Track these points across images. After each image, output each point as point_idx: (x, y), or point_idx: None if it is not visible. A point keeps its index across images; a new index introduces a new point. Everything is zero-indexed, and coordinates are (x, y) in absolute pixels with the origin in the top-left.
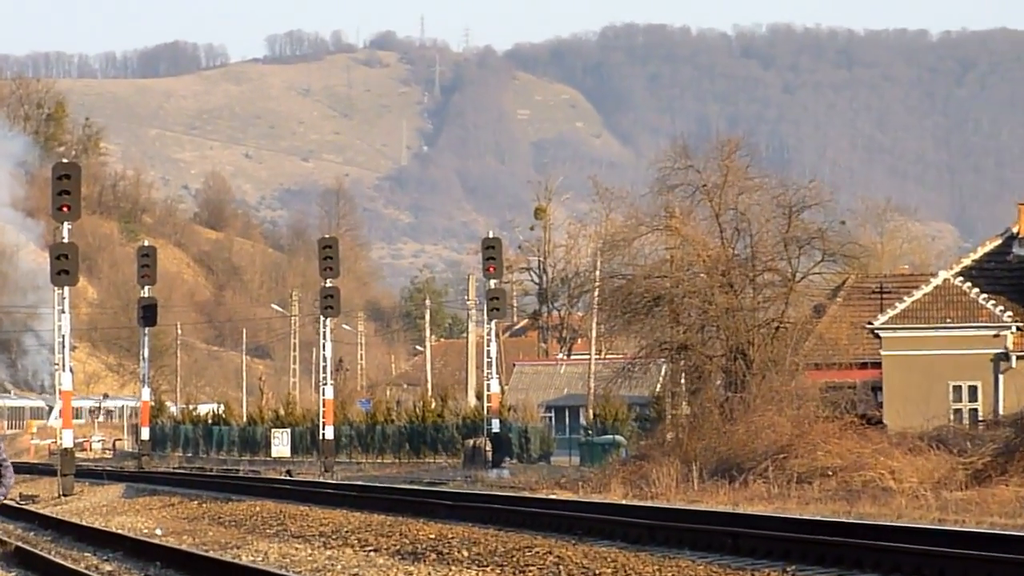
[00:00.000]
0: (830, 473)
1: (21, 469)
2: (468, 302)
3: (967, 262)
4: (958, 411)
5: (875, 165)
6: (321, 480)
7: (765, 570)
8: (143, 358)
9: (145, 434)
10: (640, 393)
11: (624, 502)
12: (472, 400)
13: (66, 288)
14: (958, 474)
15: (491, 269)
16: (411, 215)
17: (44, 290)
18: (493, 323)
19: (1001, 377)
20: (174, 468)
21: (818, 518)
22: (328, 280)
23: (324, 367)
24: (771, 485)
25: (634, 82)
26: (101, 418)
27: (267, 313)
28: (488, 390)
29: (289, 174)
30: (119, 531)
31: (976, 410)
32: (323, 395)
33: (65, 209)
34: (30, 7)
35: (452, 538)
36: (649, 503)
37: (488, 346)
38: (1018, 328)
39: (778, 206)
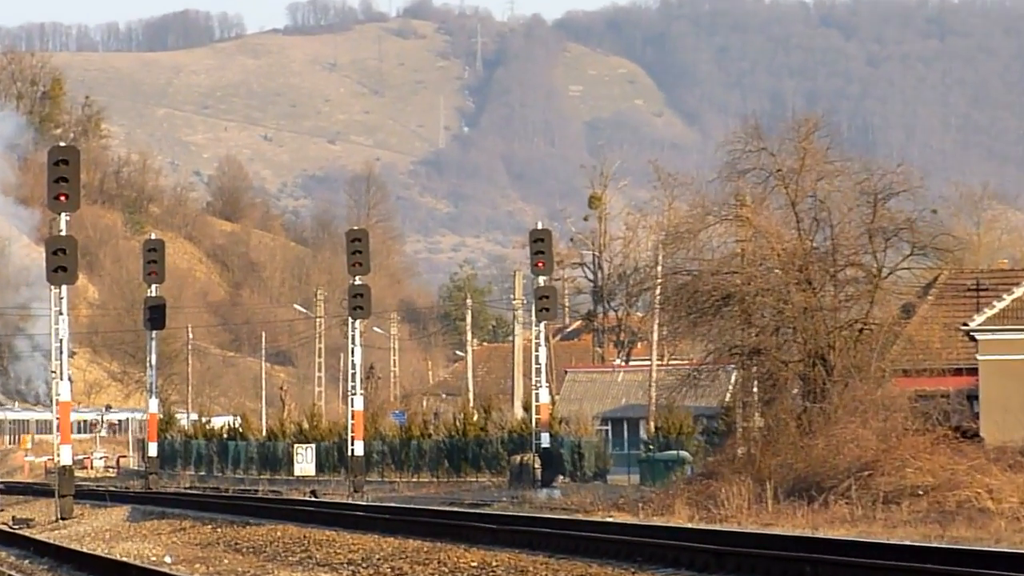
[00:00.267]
0: (920, 492)
1: (15, 489)
2: (514, 301)
3: None
4: None
5: (970, 147)
6: (350, 501)
7: None
8: (150, 365)
9: (153, 450)
10: (707, 403)
11: (690, 526)
12: (519, 411)
13: (64, 287)
14: None
15: (540, 264)
16: (450, 204)
17: (38, 287)
18: (542, 325)
19: None
20: (185, 488)
21: (907, 543)
22: (357, 277)
23: (353, 375)
24: (854, 506)
25: (700, 55)
26: (103, 432)
27: (289, 314)
28: (537, 400)
29: (313, 158)
30: (124, 559)
31: None
32: (352, 406)
33: (62, 198)
34: None
35: (497, 566)
36: (718, 527)
37: (537, 351)
38: None
39: (862, 193)
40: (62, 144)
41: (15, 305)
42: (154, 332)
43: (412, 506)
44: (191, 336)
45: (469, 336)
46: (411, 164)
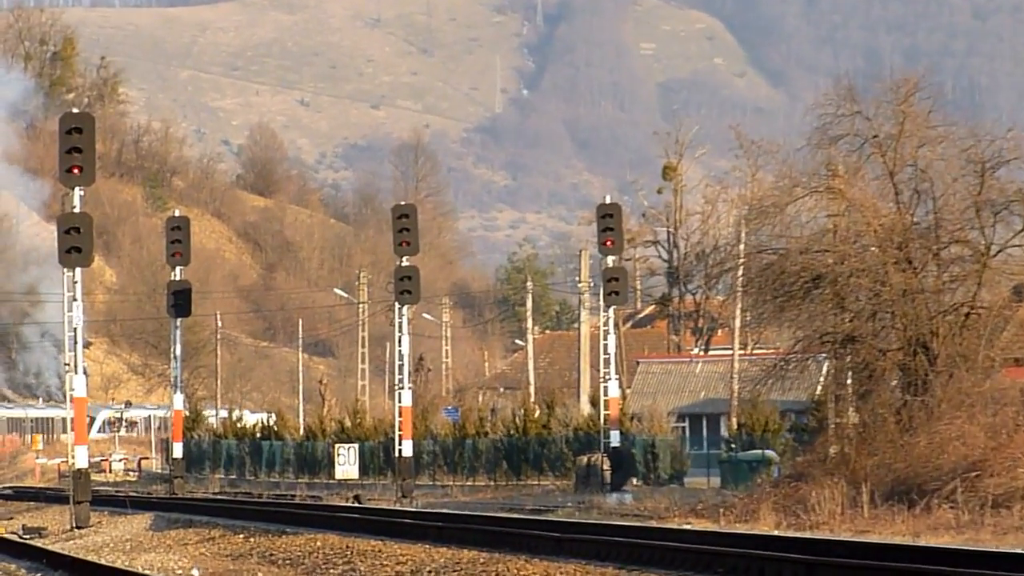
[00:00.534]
0: None
1: (25, 495)
2: (580, 284)
3: None
4: None
5: None
6: (398, 508)
7: None
8: (174, 357)
9: (178, 451)
10: (796, 397)
11: (776, 533)
12: (585, 407)
13: (78, 270)
14: None
15: (608, 243)
16: (508, 176)
17: (49, 269)
18: (611, 310)
19: None
20: (214, 493)
21: (1018, 551)
22: (404, 258)
23: (400, 367)
24: (960, 511)
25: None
26: (123, 431)
27: (329, 299)
28: (605, 394)
29: (355, 126)
30: (146, 572)
31: None
32: (399, 402)
33: (76, 171)
34: None
35: None
36: (808, 534)
37: (605, 339)
38: None
39: (968, 162)
40: (75, 111)
41: (24, 289)
42: (179, 320)
43: (467, 512)
44: (220, 324)
45: (530, 323)
46: (464, 131)
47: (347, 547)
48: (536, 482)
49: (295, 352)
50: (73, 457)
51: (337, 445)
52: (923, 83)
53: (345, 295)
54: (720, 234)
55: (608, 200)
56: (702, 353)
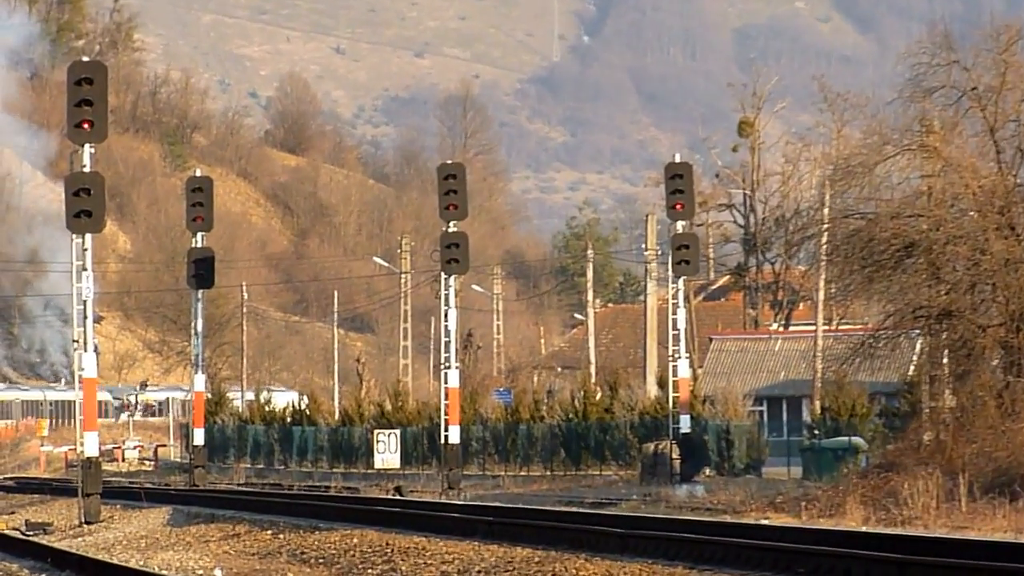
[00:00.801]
0: None
1: (29, 487)
2: (647, 253)
3: None
4: None
5: None
6: (443, 500)
7: None
8: (195, 333)
9: (199, 437)
10: (886, 378)
11: (865, 529)
12: (652, 389)
13: (88, 236)
14: None
15: (678, 207)
16: (566, 132)
17: (54, 233)
18: (681, 281)
19: None
20: (239, 484)
21: None
22: (451, 223)
23: (446, 344)
24: None
25: None
26: (138, 416)
27: (367, 269)
28: (674, 375)
29: (396, 76)
30: (163, 572)
31: None
32: (445, 383)
33: (85, 126)
34: None
35: None
36: (899, 531)
37: (674, 314)
38: None
39: None
40: (85, 59)
41: (27, 257)
42: (200, 292)
43: (520, 506)
44: (246, 296)
45: (590, 296)
46: (518, 82)
47: (387, 544)
48: (597, 472)
49: (329, 328)
50: (82, 444)
51: (376, 431)
52: None
53: (385, 264)
54: (802, 197)
55: (677, 159)
56: (782, 329)
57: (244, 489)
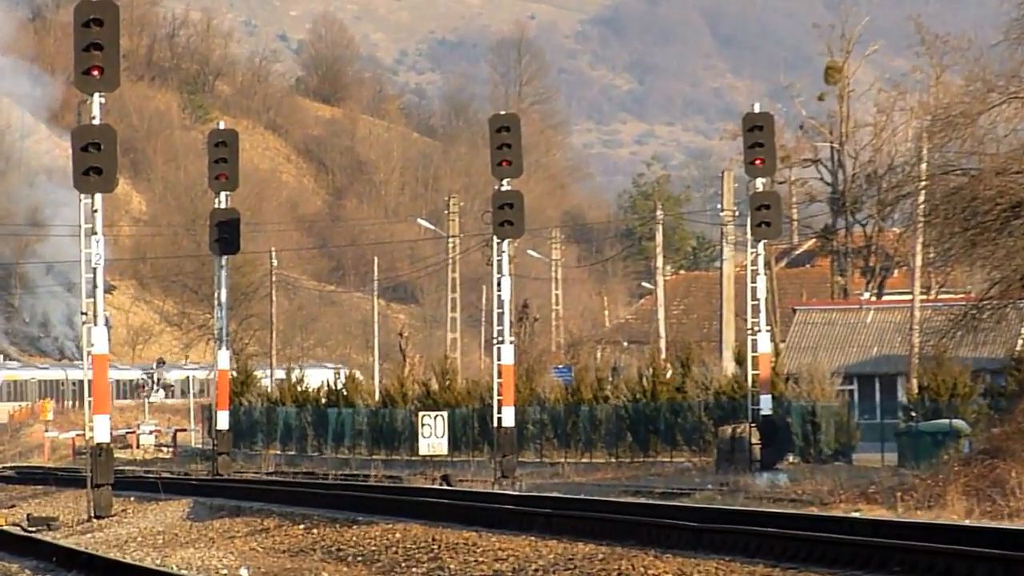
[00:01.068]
0: None
1: (31, 477)
2: (723, 214)
3: None
4: None
5: None
6: (496, 491)
7: None
8: (219, 304)
9: (223, 421)
10: (991, 353)
11: (967, 523)
12: (729, 366)
13: (98, 196)
14: None
15: (758, 162)
16: (633, 78)
17: (59, 192)
18: (761, 245)
19: None
20: (268, 473)
21: None
22: (505, 181)
23: (499, 316)
24: None
25: None
26: (154, 397)
27: (410, 232)
28: (754, 350)
29: (443, 17)
30: (183, 573)
31: None
32: (498, 359)
33: (95, 73)
34: None
35: None
36: (1006, 524)
37: (754, 281)
38: None
39: None
40: None
41: (29, 220)
42: (224, 258)
43: (582, 497)
44: (275, 263)
45: (660, 262)
46: (578, 23)
47: (433, 539)
48: (667, 459)
49: (369, 298)
50: (91, 429)
51: (421, 413)
52: None
53: (431, 227)
54: (896, 151)
55: (757, 109)
56: (874, 299)
57: (273, 479)
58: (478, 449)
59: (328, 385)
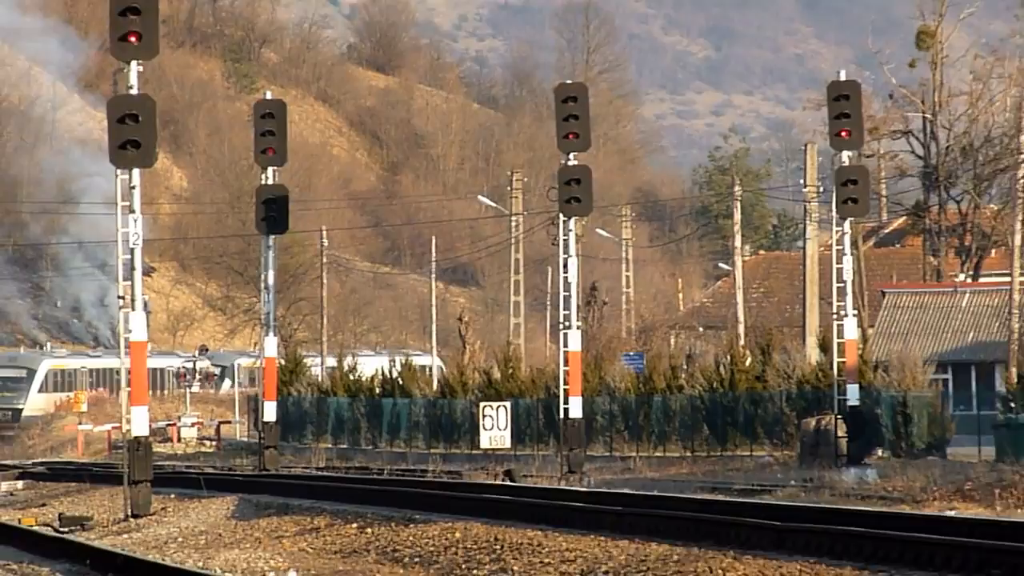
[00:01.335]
0: None
1: (63, 474)
2: (805, 190)
3: None
4: None
5: None
6: (562, 487)
7: None
8: (266, 287)
9: (270, 412)
10: None
11: None
12: (813, 353)
13: (135, 171)
14: None
15: (844, 134)
16: (709, 44)
17: (94, 166)
18: (847, 224)
19: None
20: (318, 468)
21: None
22: (572, 155)
23: (566, 299)
24: None
25: None
26: (196, 387)
27: (470, 210)
28: (840, 336)
29: None
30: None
31: None
32: (565, 346)
33: (133, 39)
34: None
35: None
36: None
37: (840, 262)
38: None
39: None
40: None
41: (62, 196)
42: (272, 238)
43: (655, 493)
44: (326, 243)
45: (738, 241)
46: None
47: (495, 539)
48: (747, 453)
49: (426, 280)
50: (128, 422)
51: (482, 404)
52: None
53: (492, 204)
54: (994, 122)
55: (843, 76)
56: (969, 281)
57: (324, 474)
58: (543, 442)
59: (382, 373)
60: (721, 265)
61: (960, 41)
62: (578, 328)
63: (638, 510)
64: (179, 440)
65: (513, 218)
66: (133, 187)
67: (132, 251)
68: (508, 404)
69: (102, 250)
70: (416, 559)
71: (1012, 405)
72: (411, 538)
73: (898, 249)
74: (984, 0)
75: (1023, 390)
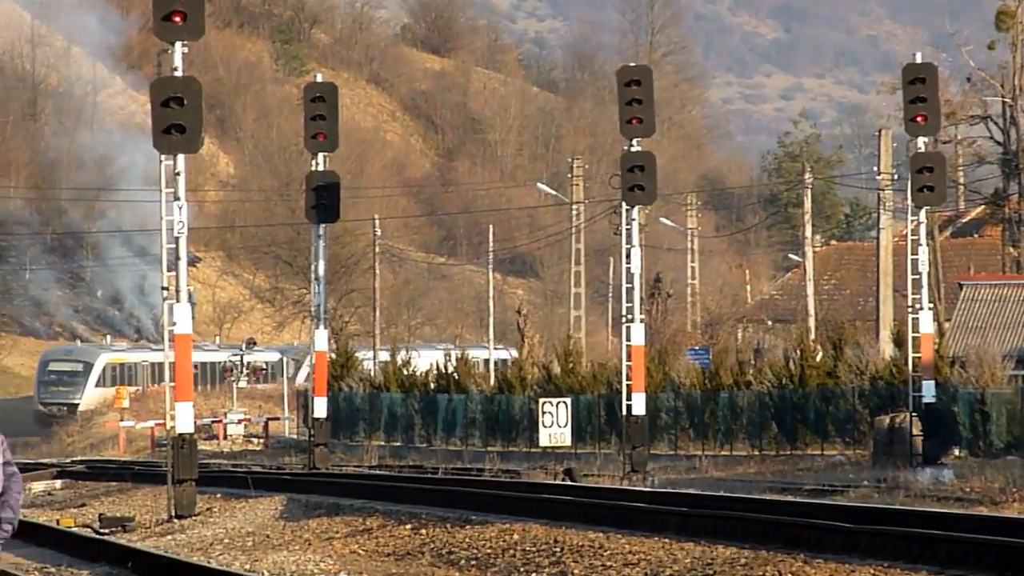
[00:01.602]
0: None
1: (104, 472)
2: (879, 177)
3: None
4: None
5: None
6: (625, 487)
7: None
8: (316, 278)
9: (321, 408)
10: None
11: None
12: (887, 348)
13: (180, 157)
14: None
15: (920, 119)
16: (778, 26)
17: (136, 152)
18: (923, 213)
19: None
20: (370, 467)
21: None
22: (635, 140)
23: (629, 291)
24: None
25: None
26: (243, 382)
27: (528, 198)
28: (915, 330)
29: None
30: None
31: None
32: (628, 340)
33: (177, 19)
34: None
35: None
36: None
37: (915, 253)
38: None
39: None
40: None
41: (102, 182)
42: (322, 227)
43: (722, 494)
44: (379, 233)
45: (808, 231)
46: None
47: (555, 541)
48: (818, 452)
49: (483, 271)
50: (172, 418)
51: (542, 400)
52: None
53: (552, 192)
54: None
55: (919, 59)
56: None
57: (377, 473)
58: (605, 440)
59: (438, 368)
60: (791, 256)
61: None
62: (641, 321)
63: (704, 511)
64: (225, 437)
65: (574, 206)
66: (178, 173)
67: (177, 240)
68: (568, 400)
69: (143, 237)
70: (473, 562)
71: None
72: (467, 540)
73: (976, 239)
74: None
75: None
